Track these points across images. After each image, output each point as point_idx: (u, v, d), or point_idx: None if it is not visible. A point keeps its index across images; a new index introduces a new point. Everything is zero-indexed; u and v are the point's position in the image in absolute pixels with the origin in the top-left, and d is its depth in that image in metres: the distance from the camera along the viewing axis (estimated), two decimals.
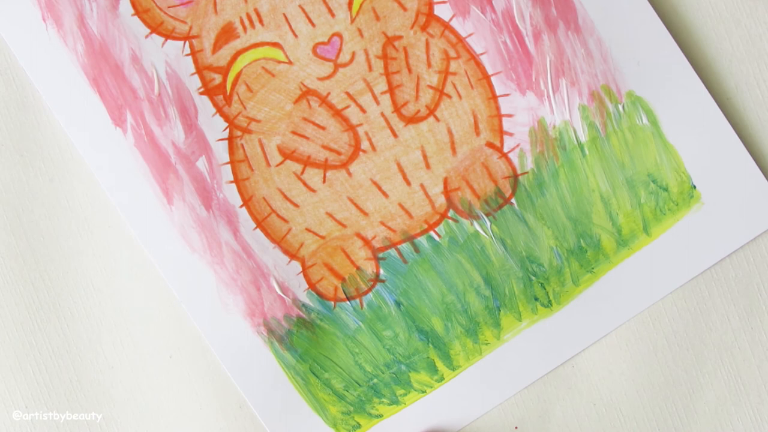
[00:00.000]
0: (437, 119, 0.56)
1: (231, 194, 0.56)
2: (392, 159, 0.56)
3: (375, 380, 0.57)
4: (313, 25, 0.55)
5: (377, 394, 0.57)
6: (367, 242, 0.56)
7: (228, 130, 0.56)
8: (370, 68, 0.56)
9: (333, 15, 0.55)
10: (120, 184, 0.55)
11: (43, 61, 0.55)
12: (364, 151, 0.56)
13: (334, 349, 0.57)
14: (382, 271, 0.57)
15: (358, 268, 0.56)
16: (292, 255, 0.56)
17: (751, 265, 0.57)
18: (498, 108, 0.56)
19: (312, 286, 0.56)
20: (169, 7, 0.55)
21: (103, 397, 0.57)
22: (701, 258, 0.56)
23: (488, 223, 0.56)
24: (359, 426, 0.57)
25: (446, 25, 0.56)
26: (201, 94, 0.56)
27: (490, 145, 0.56)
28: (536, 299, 0.56)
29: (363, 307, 0.57)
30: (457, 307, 0.56)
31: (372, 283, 0.57)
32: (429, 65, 0.56)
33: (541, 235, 0.56)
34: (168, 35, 0.55)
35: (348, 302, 0.57)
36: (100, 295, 0.57)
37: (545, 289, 0.56)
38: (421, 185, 0.56)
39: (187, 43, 0.56)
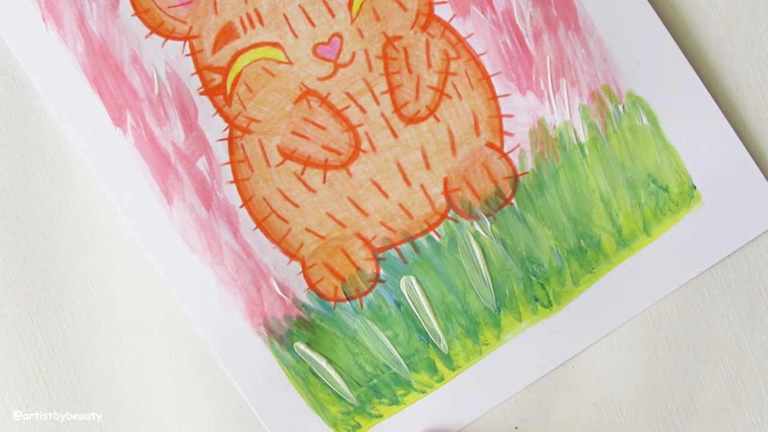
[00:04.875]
0: (437, 119, 0.56)
1: (231, 194, 0.56)
2: (392, 159, 0.56)
3: (375, 380, 0.57)
4: (313, 25, 0.55)
5: (377, 394, 0.57)
6: (367, 242, 0.57)
7: (228, 130, 0.56)
8: (370, 68, 0.56)
9: (333, 15, 0.55)
10: (120, 184, 0.55)
11: (43, 61, 0.55)
12: (364, 152, 0.56)
13: (334, 349, 0.57)
14: (382, 272, 0.57)
15: (358, 269, 0.57)
16: (292, 255, 0.56)
17: (751, 265, 0.57)
18: (498, 108, 0.56)
19: (312, 286, 0.56)
20: (169, 7, 0.55)
21: (103, 397, 0.57)
22: (701, 258, 0.56)
23: (488, 224, 0.56)
24: (359, 426, 0.57)
25: (446, 26, 0.56)
26: (201, 94, 0.56)
27: (490, 145, 0.56)
28: (536, 299, 0.56)
29: (363, 308, 0.57)
30: (457, 307, 0.56)
31: (372, 283, 0.57)
32: (429, 65, 0.56)
33: (541, 235, 0.56)
34: (168, 35, 0.55)
35: (348, 302, 0.57)
36: (100, 295, 0.57)
37: (545, 289, 0.56)
38: (422, 185, 0.56)
39: (187, 43, 0.56)
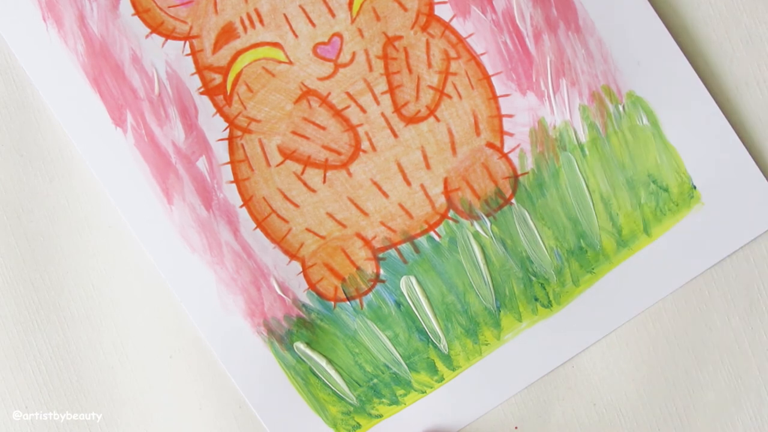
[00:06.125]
0: (437, 119, 0.56)
1: (231, 194, 0.56)
2: (392, 159, 0.56)
3: (375, 380, 0.57)
4: (313, 25, 0.55)
5: (377, 394, 0.57)
6: (367, 242, 0.56)
7: (228, 130, 0.56)
8: (371, 68, 0.56)
9: (333, 15, 0.55)
10: (120, 184, 0.55)
11: (43, 61, 0.55)
12: (364, 151, 0.56)
13: (334, 349, 0.57)
14: (382, 271, 0.57)
15: (358, 268, 0.57)
16: (292, 255, 0.56)
17: (751, 265, 0.57)
18: (498, 108, 0.56)
19: (312, 286, 0.56)
20: (169, 7, 0.55)
21: (103, 397, 0.57)
22: (701, 258, 0.56)
23: (488, 224, 0.56)
24: (359, 426, 0.57)
25: (447, 26, 0.56)
26: (201, 94, 0.56)
27: (490, 145, 0.56)
28: (536, 300, 0.56)
29: (363, 307, 0.57)
30: (457, 307, 0.56)
31: (372, 283, 0.57)
32: (429, 65, 0.56)
33: (541, 235, 0.56)
34: (168, 35, 0.55)
35: (348, 302, 0.57)
36: (99, 295, 0.57)
37: (545, 289, 0.56)
38: (422, 185, 0.56)
39: (188, 43, 0.56)
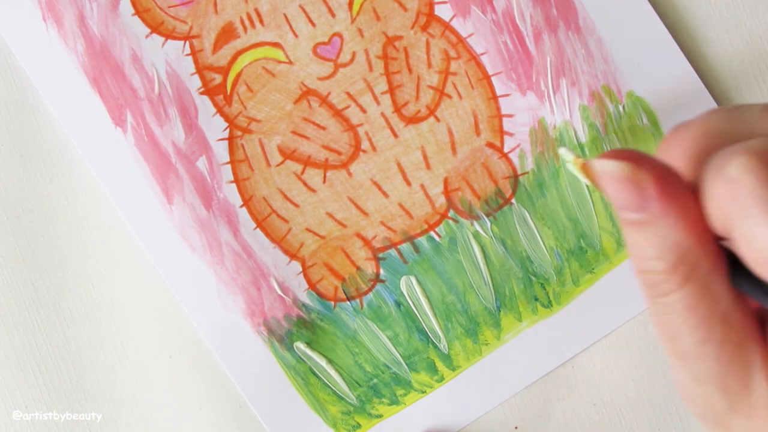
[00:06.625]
0: (437, 119, 0.56)
1: (231, 194, 0.56)
2: (392, 159, 0.56)
3: (375, 380, 0.57)
4: (313, 25, 0.55)
5: (377, 394, 0.57)
6: (367, 242, 0.57)
7: (228, 130, 0.56)
8: (371, 68, 0.56)
9: (333, 15, 0.55)
10: (120, 184, 0.55)
11: (43, 61, 0.55)
12: (364, 151, 0.56)
13: (334, 349, 0.57)
14: (382, 271, 0.57)
15: (358, 268, 0.57)
16: (293, 255, 0.56)
17: None
18: (498, 108, 0.56)
19: (312, 286, 0.56)
20: (169, 6, 0.55)
21: (103, 397, 0.57)
22: None
23: (488, 224, 0.56)
24: (359, 426, 0.57)
25: (447, 26, 0.56)
26: (201, 94, 0.56)
27: (490, 145, 0.56)
28: (536, 299, 0.56)
29: (363, 307, 0.57)
30: (457, 307, 0.56)
31: (372, 283, 0.57)
32: (429, 65, 0.56)
33: (541, 235, 0.56)
34: (168, 35, 0.55)
35: (348, 302, 0.57)
36: (99, 295, 0.57)
37: (545, 289, 0.56)
38: (422, 185, 0.56)
39: (188, 43, 0.56)
